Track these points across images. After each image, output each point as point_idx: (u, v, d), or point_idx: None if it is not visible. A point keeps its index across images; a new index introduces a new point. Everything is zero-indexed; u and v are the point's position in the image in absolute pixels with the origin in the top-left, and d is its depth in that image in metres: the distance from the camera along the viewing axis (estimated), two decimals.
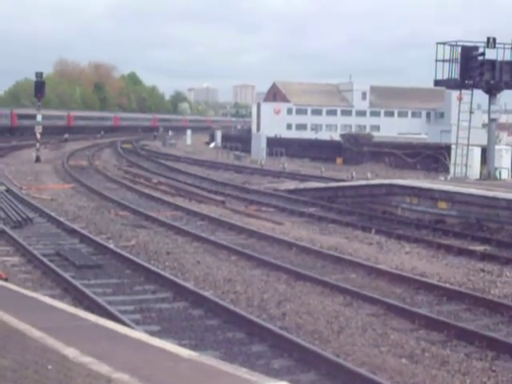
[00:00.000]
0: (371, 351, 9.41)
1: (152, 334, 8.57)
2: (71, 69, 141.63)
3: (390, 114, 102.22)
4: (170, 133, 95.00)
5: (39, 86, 45.24)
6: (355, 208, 24.33)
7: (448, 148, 35.29)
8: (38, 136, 45.42)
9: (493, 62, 27.16)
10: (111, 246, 16.42)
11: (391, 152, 45.69)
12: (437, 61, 27.31)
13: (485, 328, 10.73)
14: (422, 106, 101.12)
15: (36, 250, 15.61)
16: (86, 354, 5.95)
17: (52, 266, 13.87)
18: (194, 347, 8.79)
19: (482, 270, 14.80)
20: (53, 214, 21.19)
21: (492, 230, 19.55)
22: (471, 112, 27.72)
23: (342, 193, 26.46)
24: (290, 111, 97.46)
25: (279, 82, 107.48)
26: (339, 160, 50.06)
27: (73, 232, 18.30)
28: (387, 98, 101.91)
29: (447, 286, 13.21)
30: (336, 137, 63.08)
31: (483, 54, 27.07)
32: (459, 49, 27.06)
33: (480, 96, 29.12)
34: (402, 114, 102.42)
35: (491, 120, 28.22)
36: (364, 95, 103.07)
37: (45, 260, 14.37)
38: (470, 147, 28.35)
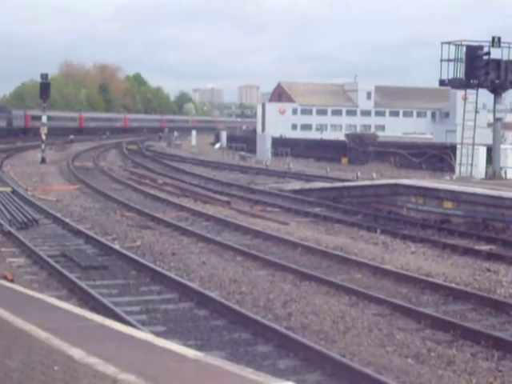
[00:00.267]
0: (377, 351, 9.41)
1: (158, 334, 8.58)
2: (76, 70, 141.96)
3: (395, 113, 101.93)
4: (176, 134, 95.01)
5: (44, 87, 45.24)
6: (360, 208, 24.31)
7: (453, 148, 35.20)
8: (44, 137, 45.46)
9: (498, 62, 27.12)
10: (117, 246, 16.42)
11: (396, 152, 45.57)
12: (442, 60, 27.29)
13: (491, 328, 10.71)
14: (427, 105, 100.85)
15: (42, 251, 15.64)
16: (92, 355, 5.95)
17: (58, 267, 13.88)
18: (199, 348, 8.79)
19: (488, 270, 14.77)
20: (58, 215, 21.22)
21: (498, 230, 19.50)
22: (476, 111, 27.70)
23: (348, 193, 26.45)
24: (295, 111, 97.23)
25: (284, 82, 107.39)
26: (344, 160, 49.95)
27: (78, 233, 18.31)
28: (392, 97, 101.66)
29: (453, 285, 13.18)
30: (341, 137, 62.95)
31: (488, 53, 27.04)
32: (464, 48, 27.04)
33: (485, 95, 29.06)
34: (407, 114, 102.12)
35: (496, 119, 28.19)
36: (369, 95, 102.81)
37: (50, 261, 14.38)
38: (476, 147, 28.33)
